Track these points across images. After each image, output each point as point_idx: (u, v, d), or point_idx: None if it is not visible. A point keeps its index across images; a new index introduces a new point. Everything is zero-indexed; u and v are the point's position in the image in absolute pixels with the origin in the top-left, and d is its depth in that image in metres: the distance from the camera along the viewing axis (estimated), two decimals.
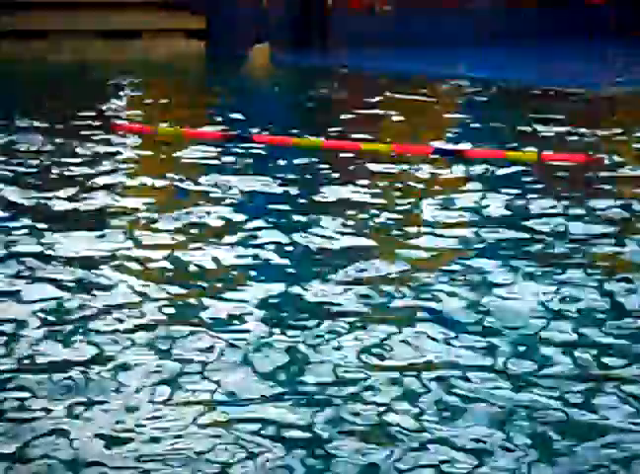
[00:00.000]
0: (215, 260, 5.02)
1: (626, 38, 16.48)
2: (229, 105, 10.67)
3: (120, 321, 4.26)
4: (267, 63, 14.88)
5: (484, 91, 12.32)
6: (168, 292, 4.58)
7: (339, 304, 4.47)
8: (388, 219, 5.70)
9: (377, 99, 11.04)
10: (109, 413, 3.44)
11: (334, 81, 13.26)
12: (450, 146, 7.53)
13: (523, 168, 7.08)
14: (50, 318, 4.26)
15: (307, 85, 12.95)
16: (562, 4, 17.29)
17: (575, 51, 16.14)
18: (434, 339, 4.09)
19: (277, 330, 4.16)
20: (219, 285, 4.68)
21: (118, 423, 3.36)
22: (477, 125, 9.38)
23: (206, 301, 4.48)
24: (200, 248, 5.19)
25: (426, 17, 16.35)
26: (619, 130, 8.85)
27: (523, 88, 12.57)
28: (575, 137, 8.51)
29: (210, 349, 3.96)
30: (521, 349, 4.01)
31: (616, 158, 7.44)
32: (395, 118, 9.75)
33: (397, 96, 11.52)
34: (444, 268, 4.88)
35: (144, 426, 3.35)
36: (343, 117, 9.80)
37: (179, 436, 3.30)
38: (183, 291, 4.62)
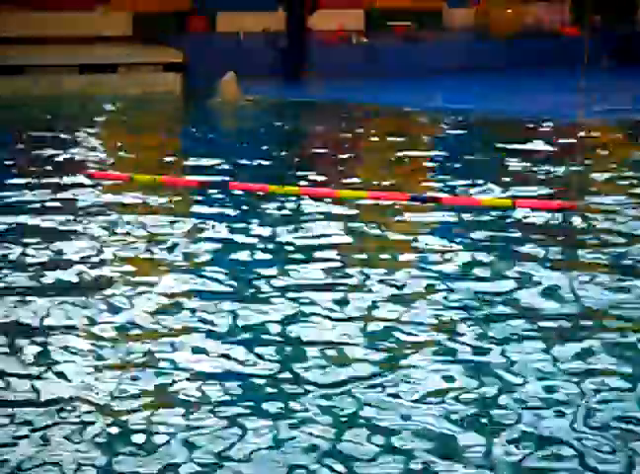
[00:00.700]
0: None
1: (596, 67, 16.76)
2: (202, 144, 10.76)
3: None
4: (236, 95, 14.85)
5: (461, 124, 12.52)
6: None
7: None
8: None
9: (355, 133, 11.22)
10: None
11: (311, 115, 13.40)
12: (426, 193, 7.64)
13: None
14: None
15: (285, 119, 13.04)
16: (534, 35, 17.59)
17: (550, 82, 16.39)
18: None
19: None
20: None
21: None
22: (454, 165, 9.48)
23: None
24: None
25: (400, 48, 16.63)
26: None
27: (502, 120, 12.79)
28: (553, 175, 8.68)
29: None
30: None
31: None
32: (371, 159, 9.88)
33: (373, 131, 11.68)
34: None
35: None
36: (319, 157, 9.94)
37: None
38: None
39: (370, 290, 5.48)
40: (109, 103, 13.91)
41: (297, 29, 16.43)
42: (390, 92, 15.21)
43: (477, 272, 5.86)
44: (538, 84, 16.56)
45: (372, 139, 11.37)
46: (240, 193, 7.76)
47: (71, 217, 7.06)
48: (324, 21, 16.81)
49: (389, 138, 11.11)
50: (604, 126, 12.99)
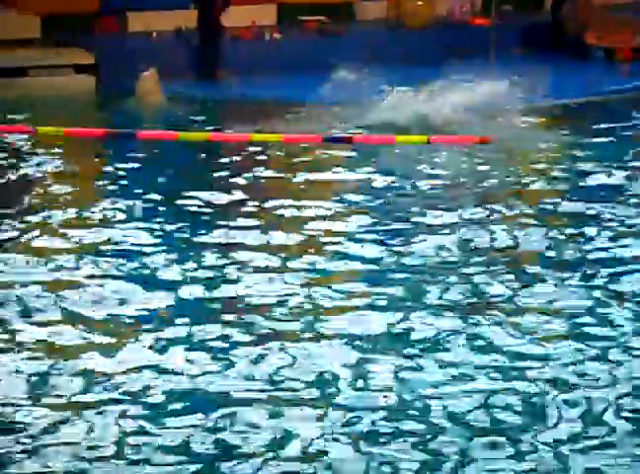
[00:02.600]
0: None
1: (509, 56, 16.95)
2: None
3: None
4: (156, 92, 14.67)
5: None
6: None
7: None
8: None
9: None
10: None
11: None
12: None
13: None
14: None
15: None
16: (446, 26, 17.73)
17: (462, 72, 16.50)
18: None
19: None
20: None
21: None
22: None
23: None
24: None
25: (314, 42, 16.62)
26: None
27: None
28: None
29: None
30: None
31: None
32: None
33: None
34: None
35: None
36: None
37: None
38: None
39: None
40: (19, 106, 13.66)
41: (210, 26, 16.28)
42: (300, 87, 15.17)
43: None
44: (450, 74, 16.67)
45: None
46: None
47: None
48: (237, 17, 16.70)
49: None
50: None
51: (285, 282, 6.87)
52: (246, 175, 9.34)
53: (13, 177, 9.26)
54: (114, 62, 15.61)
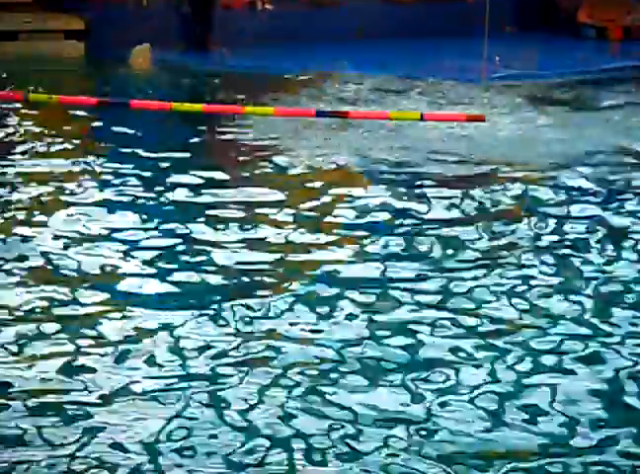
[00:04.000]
0: None
1: (500, 33, 16.92)
2: None
3: None
4: (147, 65, 14.71)
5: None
6: None
7: None
8: None
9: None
10: None
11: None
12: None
13: None
14: None
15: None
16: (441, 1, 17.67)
17: (454, 48, 16.47)
18: None
19: None
20: None
21: None
22: None
23: None
24: None
25: (306, 14, 16.54)
26: None
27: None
28: None
29: None
30: None
31: None
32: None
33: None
34: None
35: None
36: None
37: None
38: None
39: None
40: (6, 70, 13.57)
41: None
42: (292, 59, 15.14)
43: None
44: (443, 50, 16.65)
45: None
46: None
47: None
48: None
49: None
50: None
51: None
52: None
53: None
54: (104, 29, 15.52)
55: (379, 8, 17.55)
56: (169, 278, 5.93)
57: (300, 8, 16.79)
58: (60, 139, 8.44)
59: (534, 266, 6.38)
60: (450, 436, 4.34)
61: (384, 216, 6.78)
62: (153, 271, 6.11)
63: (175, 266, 6.21)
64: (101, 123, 9.87)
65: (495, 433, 4.40)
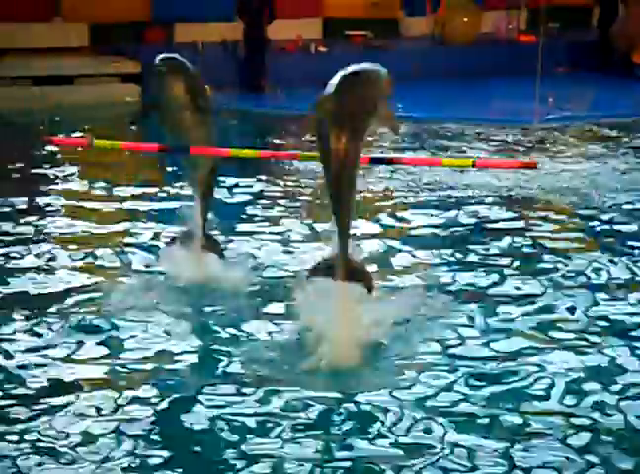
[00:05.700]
0: None
1: (553, 75, 16.89)
2: None
3: None
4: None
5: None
6: None
7: None
8: None
9: None
10: None
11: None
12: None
13: None
14: None
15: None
16: (490, 43, 17.68)
17: (505, 90, 16.46)
18: None
19: None
20: None
21: None
22: None
23: None
24: None
25: (359, 56, 16.59)
26: None
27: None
28: None
29: None
30: None
31: None
32: None
33: None
34: None
35: None
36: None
37: None
38: None
39: None
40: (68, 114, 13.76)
41: (256, 38, 16.35)
42: None
43: None
44: (494, 91, 16.64)
45: None
46: None
47: None
48: (282, 30, 16.79)
49: None
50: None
51: None
52: None
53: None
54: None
55: (431, 52, 17.63)
56: None
57: (353, 51, 16.92)
58: None
59: None
60: None
61: None
62: None
63: None
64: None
65: None
